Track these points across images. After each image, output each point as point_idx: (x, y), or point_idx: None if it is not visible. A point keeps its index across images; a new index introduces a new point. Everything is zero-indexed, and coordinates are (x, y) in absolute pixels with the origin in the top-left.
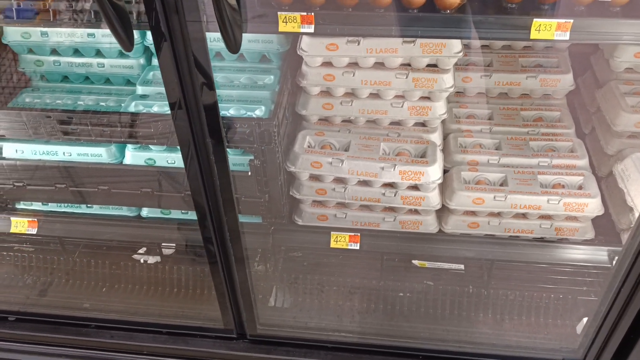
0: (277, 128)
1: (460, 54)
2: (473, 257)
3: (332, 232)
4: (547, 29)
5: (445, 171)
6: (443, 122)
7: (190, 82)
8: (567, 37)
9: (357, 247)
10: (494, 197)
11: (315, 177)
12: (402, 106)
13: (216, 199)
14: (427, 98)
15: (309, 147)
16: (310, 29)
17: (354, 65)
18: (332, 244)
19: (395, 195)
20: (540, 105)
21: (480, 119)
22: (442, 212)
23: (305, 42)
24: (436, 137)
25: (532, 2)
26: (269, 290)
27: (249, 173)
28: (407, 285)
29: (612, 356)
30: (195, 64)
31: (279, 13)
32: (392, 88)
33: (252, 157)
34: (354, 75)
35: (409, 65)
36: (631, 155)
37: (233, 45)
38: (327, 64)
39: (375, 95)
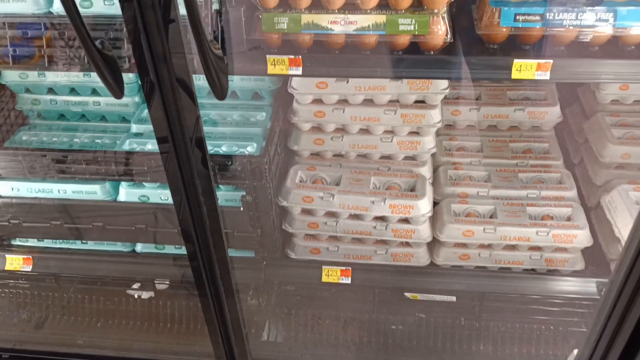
0: (268, 165)
1: (447, 90)
2: (464, 289)
3: (323, 266)
4: (527, 69)
5: (435, 203)
6: (433, 155)
7: (178, 125)
8: (547, 77)
9: (349, 282)
10: (484, 230)
11: (307, 211)
12: (391, 141)
13: (205, 236)
14: (416, 133)
15: (300, 181)
16: (298, 71)
17: (343, 102)
18: (324, 278)
19: (386, 229)
20: (529, 137)
21: (470, 151)
22: (434, 244)
23: (295, 80)
24: (426, 171)
25: (513, 42)
26: (262, 324)
27: (241, 209)
28: (399, 318)
29: None
30: (184, 104)
31: (267, 56)
32: (381, 124)
33: (244, 193)
34: (343, 112)
35: (398, 101)
36: (617, 187)
37: (219, 91)
38: (318, 101)
39: (365, 131)
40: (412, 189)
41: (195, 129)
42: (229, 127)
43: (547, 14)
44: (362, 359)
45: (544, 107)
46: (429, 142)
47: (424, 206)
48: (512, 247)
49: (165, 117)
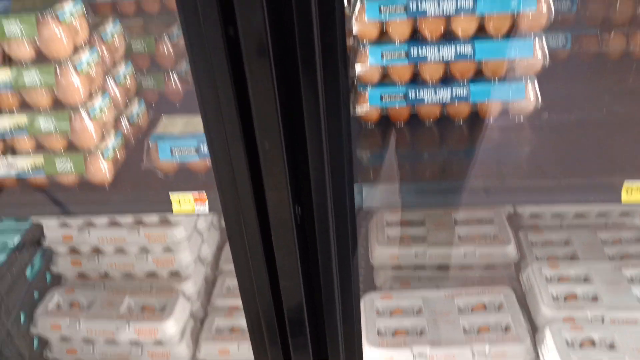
0: None
1: None
2: None
3: None
4: None
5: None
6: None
7: None
8: None
9: None
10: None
11: (65, 338)
12: (146, 260)
13: None
14: (169, 249)
15: (58, 307)
16: None
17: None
18: None
19: (141, 353)
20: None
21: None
22: None
23: None
24: (188, 286)
25: None
26: None
27: None
28: None
29: None
30: None
31: None
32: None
33: None
34: (89, 235)
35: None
36: None
37: None
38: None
39: (120, 250)
40: (164, 309)
41: None
42: None
43: None
44: None
45: None
46: (185, 258)
47: (171, 327)
48: None
49: None
